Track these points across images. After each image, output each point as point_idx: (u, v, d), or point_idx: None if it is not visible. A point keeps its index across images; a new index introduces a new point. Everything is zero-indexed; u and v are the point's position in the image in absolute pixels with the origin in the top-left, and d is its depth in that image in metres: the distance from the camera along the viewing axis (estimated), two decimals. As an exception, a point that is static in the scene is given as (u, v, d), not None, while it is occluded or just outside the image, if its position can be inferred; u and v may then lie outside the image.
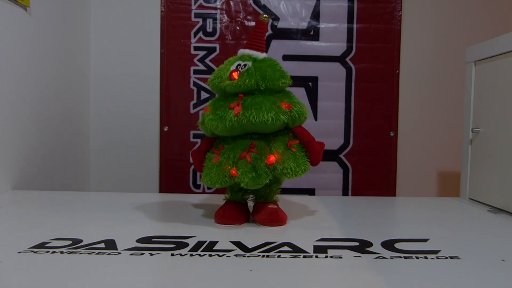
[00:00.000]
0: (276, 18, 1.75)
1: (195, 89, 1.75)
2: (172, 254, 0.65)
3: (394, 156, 1.79)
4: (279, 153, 0.79)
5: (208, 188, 1.76)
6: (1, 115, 1.14)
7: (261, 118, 0.76)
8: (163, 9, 1.73)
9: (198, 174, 1.72)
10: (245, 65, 0.81)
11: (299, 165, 0.80)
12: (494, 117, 1.08)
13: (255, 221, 0.86)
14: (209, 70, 1.73)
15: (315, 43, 1.76)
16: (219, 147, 0.82)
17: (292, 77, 0.85)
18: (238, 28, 1.74)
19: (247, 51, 0.84)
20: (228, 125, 0.77)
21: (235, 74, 0.79)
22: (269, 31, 1.75)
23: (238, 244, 0.70)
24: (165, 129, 1.75)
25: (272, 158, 0.78)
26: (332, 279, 0.60)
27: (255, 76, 0.79)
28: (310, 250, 0.68)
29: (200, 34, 1.74)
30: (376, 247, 0.70)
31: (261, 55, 0.84)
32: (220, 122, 0.78)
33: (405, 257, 0.65)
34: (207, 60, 1.74)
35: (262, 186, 0.80)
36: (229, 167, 0.79)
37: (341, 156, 1.79)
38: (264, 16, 0.85)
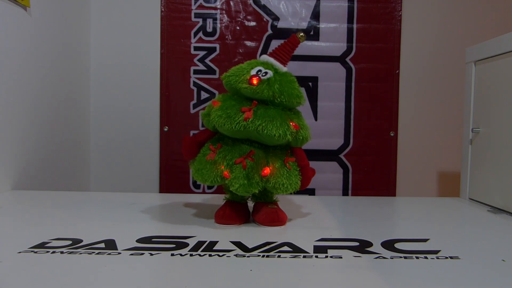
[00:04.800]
0: (276, 18, 1.75)
1: (195, 89, 1.75)
2: (172, 254, 0.65)
3: (394, 156, 1.79)
4: (275, 167, 0.79)
5: (208, 188, 1.76)
6: (1, 115, 1.14)
7: (269, 132, 0.76)
8: (163, 9, 1.73)
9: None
10: (266, 73, 0.80)
11: (291, 184, 0.80)
12: (494, 117, 1.08)
13: (255, 221, 0.86)
14: (209, 70, 1.73)
15: (315, 43, 1.76)
16: (217, 145, 0.81)
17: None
18: (238, 28, 1.74)
19: (271, 60, 0.83)
20: (235, 128, 0.76)
21: (255, 80, 0.78)
22: (269, 31, 1.75)
23: (238, 244, 0.70)
24: (165, 129, 1.75)
25: (267, 171, 0.78)
26: (332, 279, 0.60)
27: (274, 88, 0.78)
28: (310, 250, 0.68)
29: (200, 34, 1.74)
30: (376, 247, 0.70)
31: (283, 68, 0.83)
32: (228, 122, 0.77)
33: (405, 257, 0.65)
34: (207, 60, 1.74)
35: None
36: (223, 167, 0.78)
37: (341, 156, 1.79)
38: (301, 34, 0.84)
